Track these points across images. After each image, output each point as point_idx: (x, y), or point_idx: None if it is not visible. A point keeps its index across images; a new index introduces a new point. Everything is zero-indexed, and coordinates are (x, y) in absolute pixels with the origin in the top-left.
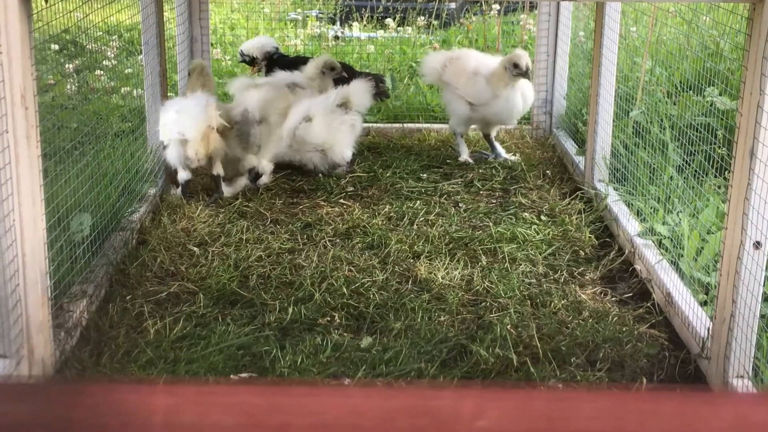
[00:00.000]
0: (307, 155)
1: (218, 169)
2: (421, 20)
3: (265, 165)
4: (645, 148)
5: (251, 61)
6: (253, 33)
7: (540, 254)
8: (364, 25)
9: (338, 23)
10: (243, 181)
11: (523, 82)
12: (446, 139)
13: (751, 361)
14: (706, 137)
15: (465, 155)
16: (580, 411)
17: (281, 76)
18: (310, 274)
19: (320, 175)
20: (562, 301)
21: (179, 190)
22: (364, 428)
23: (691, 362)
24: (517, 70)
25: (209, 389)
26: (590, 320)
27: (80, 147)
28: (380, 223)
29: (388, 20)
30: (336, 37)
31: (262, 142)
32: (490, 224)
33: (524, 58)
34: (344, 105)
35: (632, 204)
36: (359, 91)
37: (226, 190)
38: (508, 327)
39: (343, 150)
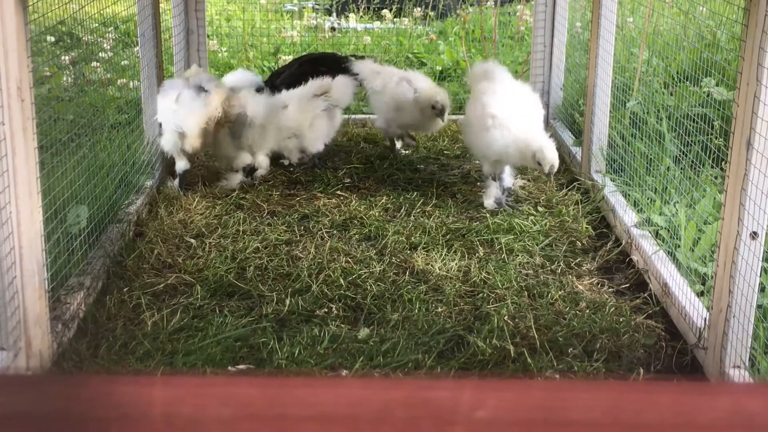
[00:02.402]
0: (283, 143)
1: (248, 159)
2: (418, 11)
3: (261, 160)
4: (642, 139)
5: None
6: (250, 24)
7: (537, 245)
8: (361, 16)
9: (335, 14)
10: (239, 177)
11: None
12: (442, 130)
13: (747, 352)
14: (703, 128)
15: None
16: (577, 401)
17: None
18: (308, 265)
19: (291, 165)
20: (559, 292)
21: (176, 181)
22: (362, 419)
23: (687, 353)
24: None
25: (207, 381)
26: (587, 311)
27: (77, 139)
28: (377, 214)
29: (385, 11)
30: (332, 29)
31: (254, 142)
32: (487, 215)
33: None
34: (323, 95)
35: (629, 195)
36: (341, 87)
37: (225, 183)
38: (506, 318)
39: (317, 137)
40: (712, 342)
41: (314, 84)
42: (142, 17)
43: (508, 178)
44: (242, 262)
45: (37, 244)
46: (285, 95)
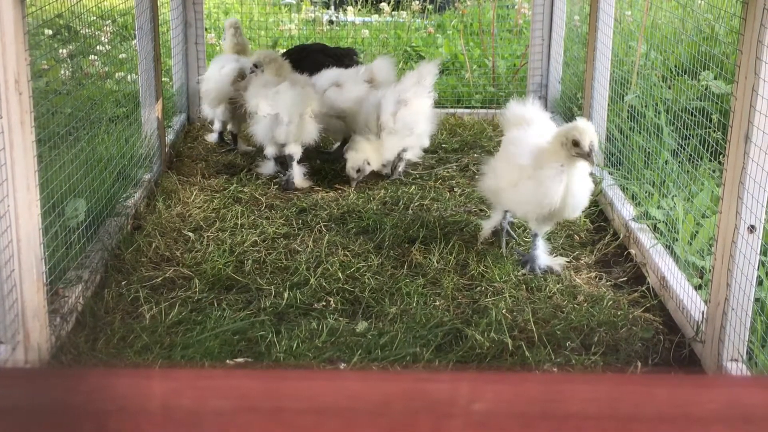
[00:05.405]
0: (330, 121)
1: (291, 150)
2: (416, 4)
3: (293, 149)
4: (640, 133)
5: None
6: (248, 17)
7: None
8: (359, 10)
9: (333, 8)
10: (271, 165)
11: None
12: (440, 124)
13: (745, 345)
14: (701, 121)
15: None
16: (575, 394)
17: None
18: (306, 259)
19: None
20: (557, 286)
21: (214, 135)
22: (360, 412)
23: (685, 346)
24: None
25: (206, 374)
26: (585, 304)
27: (74, 132)
28: (375, 207)
29: (383, 4)
30: (330, 22)
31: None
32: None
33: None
34: (369, 81)
35: (627, 188)
36: (383, 69)
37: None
38: (503, 311)
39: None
40: (709, 335)
41: (364, 68)
42: (140, 10)
43: (543, 255)
44: (240, 256)
45: (35, 238)
46: (335, 73)
